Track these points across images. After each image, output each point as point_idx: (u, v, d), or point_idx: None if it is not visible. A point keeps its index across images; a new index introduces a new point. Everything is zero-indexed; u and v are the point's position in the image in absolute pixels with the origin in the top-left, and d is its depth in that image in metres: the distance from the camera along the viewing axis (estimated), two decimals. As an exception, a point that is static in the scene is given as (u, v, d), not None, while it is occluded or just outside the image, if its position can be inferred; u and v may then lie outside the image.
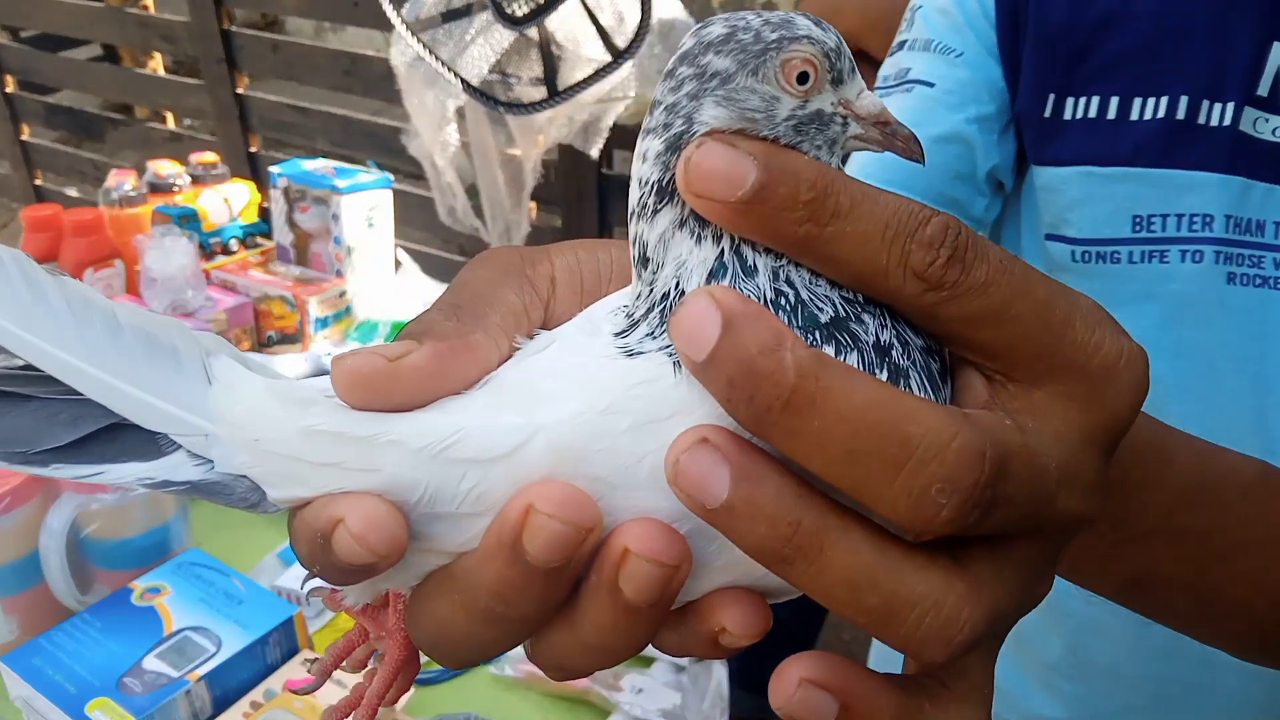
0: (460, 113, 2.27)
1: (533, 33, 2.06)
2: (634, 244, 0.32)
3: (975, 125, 0.78)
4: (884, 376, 0.30)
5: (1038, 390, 0.30)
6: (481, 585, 0.30)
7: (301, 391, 0.32)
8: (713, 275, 0.31)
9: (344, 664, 0.40)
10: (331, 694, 1.04)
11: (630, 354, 0.31)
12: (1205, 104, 0.70)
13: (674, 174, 0.31)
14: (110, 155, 3.88)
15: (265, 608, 1.10)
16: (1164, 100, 0.71)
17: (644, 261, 0.32)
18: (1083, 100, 0.74)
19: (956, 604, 0.28)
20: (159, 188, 2.01)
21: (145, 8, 3.65)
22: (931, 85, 0.79)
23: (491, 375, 0.32)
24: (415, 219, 2.67)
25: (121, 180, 1.96)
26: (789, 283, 0.30)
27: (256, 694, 1.05)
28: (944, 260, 0.29)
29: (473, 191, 2.49)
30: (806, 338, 0.30)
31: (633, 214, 0.32)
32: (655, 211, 0.31)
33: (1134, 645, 0.81)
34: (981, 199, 0.81)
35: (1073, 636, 0.84)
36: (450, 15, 2.09)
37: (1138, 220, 0.74)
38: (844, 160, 0.33)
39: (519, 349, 0.33)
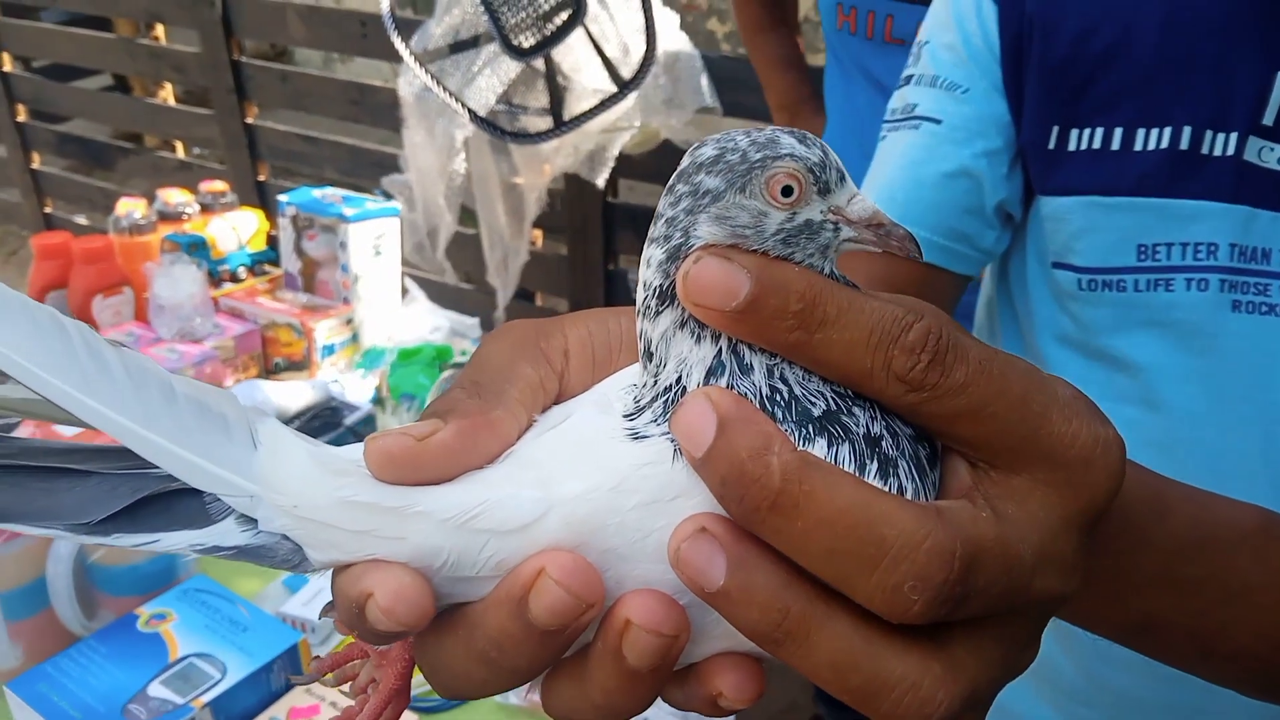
0: (466, 143, 2.30)
1: (539, 64, 2.08)
2: (640, 338, 0.35)
3: (983, 160, 0.79)
4: (874, 467, 0.32)
5: (1017, 477, 0.33)
6: (483, 631, 0.33)
7: (338, 463, 0.34)
8: (711, 373, 0.33)
9: (342, 685, 0.42)
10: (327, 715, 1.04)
11: (637, 437, 0.34)
12: (1209, 134, 0.71)
13: (674, 281, 0.33)
14: (120, 184, 3.92)
15: (270, 634, 1.10)
16: (1167, 131, 0.72)
17: (649, 355, 0.35)
18: (1086, 131, 0.75)
19: (933, 685, 0.30)
20: (168, 216, 2.03)
21: (156, 39, 3.70)
22: (939, 122, 0.80)
23: (512, 449, 0.35)
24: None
25: (131, 208, 1.98)
26: (783, 379, 0.33)
27: (261, 721, 1.05)
28: (925, 364, 0.31)
29: (471, 219, 2.50)
30: (799, 431, 0.32)
31: (639, 312, 0.35)
32: (658, 313, 0.34)
33: (1147, 670, 0.81)
34: (991, 232, 0.82)
35: (1087, 662, 0.84)
36: (457, 46, 2.12)
37: (1143, 249, 0.75)
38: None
39: (537, 420, 0.36)
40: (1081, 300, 0.78)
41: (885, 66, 1.54)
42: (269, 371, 1.88)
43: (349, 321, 1.94)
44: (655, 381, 0.34)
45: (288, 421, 1.55)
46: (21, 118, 3.93)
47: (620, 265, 2.77)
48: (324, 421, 1.59)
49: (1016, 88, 0.78)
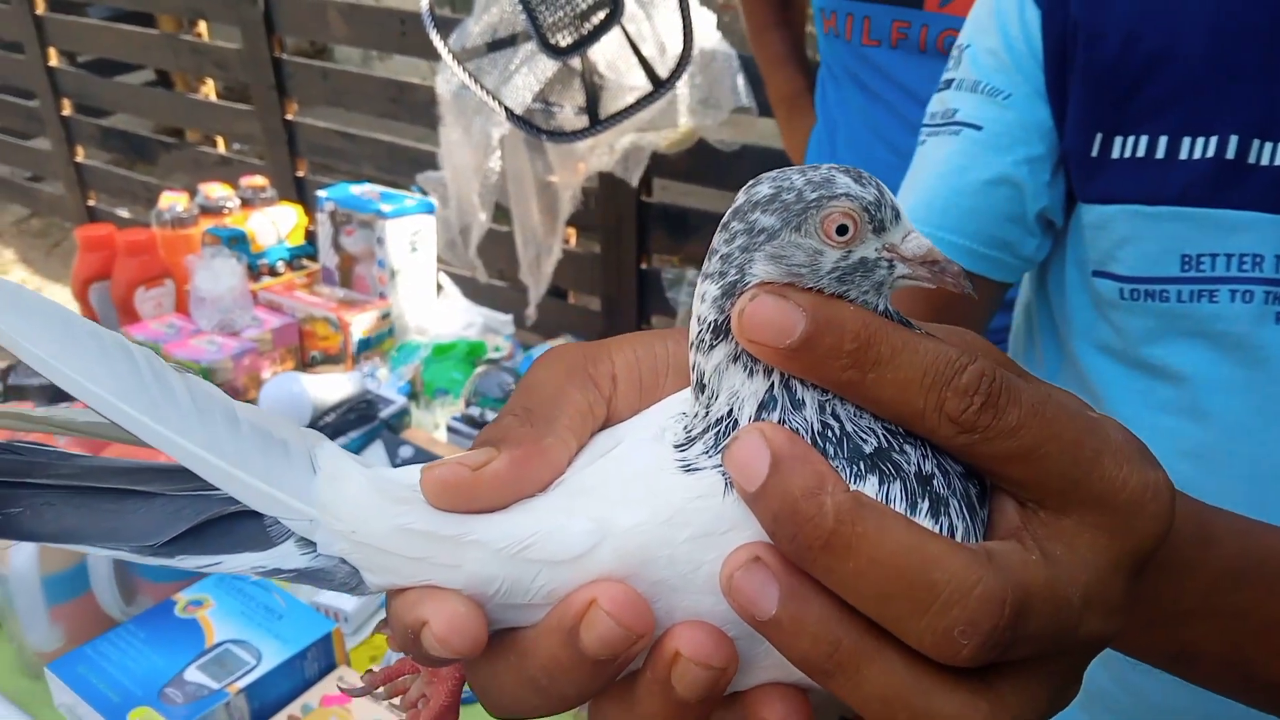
0: (502, 141, 2.31)
1: (575, 62, 2.09)
2: (693, 370, 0.35)
3: (1025, 167, 0.78)
4: (926, 505, 0.32)
5: (1067, 518, 0.33)
6: (534, 657, 0.33)
7: (395, 489, 0.35)
8: (763, 407, 0.33)
9: (393, 698, 0.43)
10: (364, 709, 1.05)
11: (689, 469, 0.34)
12: (1256, 143, 0.70)
13: (729, 316, 0.33)
14: (161, 178, 3.97)
15: (304, 623, 1.12)
16: (1213, 140, 0.71)
17: (701, 387, 0.35)
18: (1130, 139, 0.74)
19: None
20: (209, 210, 2.06)
21: (199, 35, 3.75)
22: (979, 128, 0.79)
23: (563, 477, 0.35)
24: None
25: (173, 202, 2.01)
26: (834, 416, 0.33)
27: (294, 708, 1.07)
28: (977, 407, 0.31)
29: (504, 217, 2.52)
30: (851, 468, 0.32)
31: (692, 345, 0.35)
32: (711, 346, 0.34)
33: (1182, 681, 0.80)
34: (1032, 239, 0.82)
35: (1122, 671, 0.84)
36: (495, 45, 2.13)
37: (1186, 259, 0.74)
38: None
39: (586, 445, 0.36)
40: (1123, 310, 0.78)
41: (865, 68, 1.55)
42: (305, 364, 1.90)
43: (385, 316, 1.96)
44: (707, 413, 0.35)
45: (324, 414, 1.57)
46: (66, 111, 4.00)
47: (653, 264, 2.77)
48: (359, 414, 1.60)
49: (1059, 93, 0.77)
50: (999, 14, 0.79)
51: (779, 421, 0.33)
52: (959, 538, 0.32)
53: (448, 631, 0.32)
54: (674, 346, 0.40)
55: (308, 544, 0.35)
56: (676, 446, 0.35)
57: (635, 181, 2.44)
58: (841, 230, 0.32)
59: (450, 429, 1.67)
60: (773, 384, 0.33)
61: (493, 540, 0.33)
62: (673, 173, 2.62)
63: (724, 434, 0.34)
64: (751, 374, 0.34)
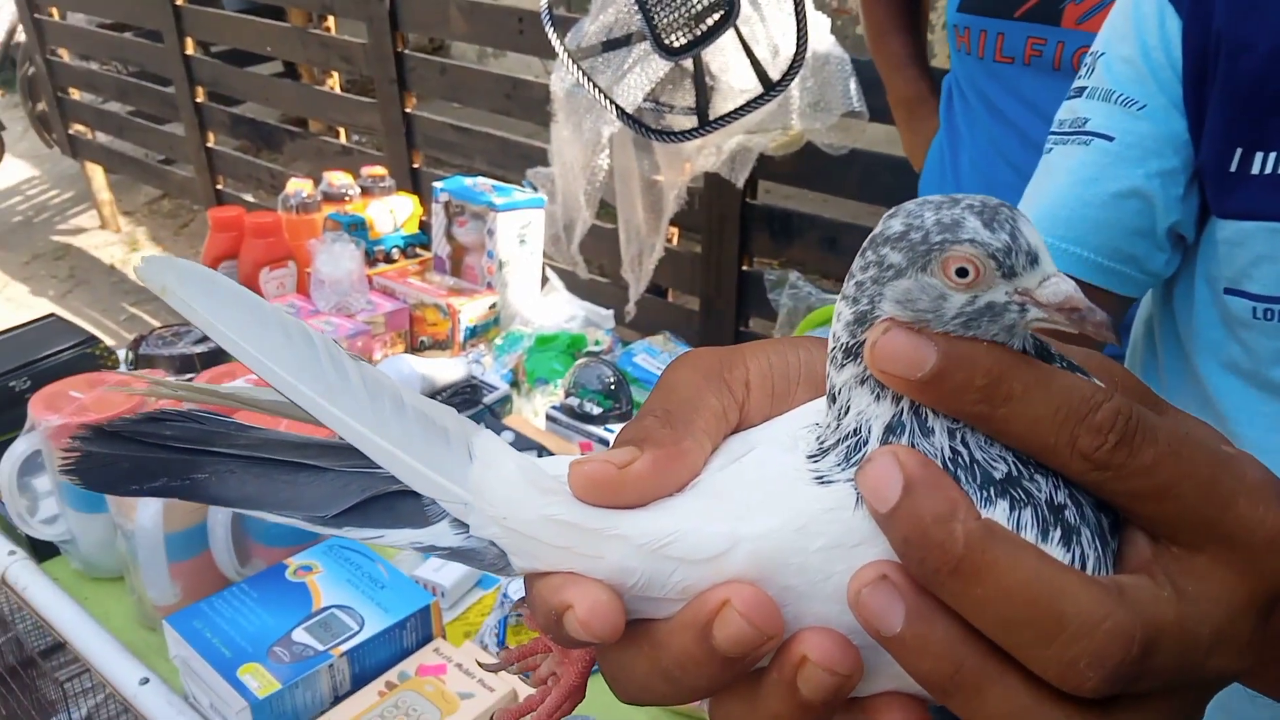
0: (611, 139, 2.34)
1: (688, 63, 2.11)
2: (827, 380, 0.36)
3: (1157, 180, 0.76)
4: (1058, 534, 0.32)
5: (1200, 555, 0.32)
6: (668, 650, 0.35)
7: (545, 480, 0.37)
8: (890, 430, 0.34)
9: (523, 671, 0.45)
10: (457, 679, 1.09)
11: (822, 480, 0.35)
12: None
13: (860, 341, 0.34)
14: (285, 165, 4.14)
15: (406, 594, 1.16)
16: None
17: (833, 399, 0.36)
18: (1273, 155, 0.71)
19: None
20: (332, 197, 2.14)
21: (327, 29, 3.89)
22: (1111, 139, 0.77)
23: (700, 479, 0.37)
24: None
25: (299, 188, 2.10)
26: (964, 443, 0.33)
27: (391, 675, 1.11)
28: (1111, 445, 0.31)
29: (613, 214, 2.55)
30: (982, 493, 0.33)
31: (828, 358, 0.36)
32: (842, 365, 0.35)
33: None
34: (1161, 254, 0.79)
35: (1226, 700, 0.82)
36: (610, 45, 2.16)
37: None
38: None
39: (720, 449, 0.38)
40: (1255, 329, 0.75)
41: (995, 86, 1.52)
42: (414, 349, 1.97)
43: (492, 306, 2.01)
44: (838, 425, 0.35)
45: (432, 396, 1.63)
46: (200, 99, 4.20)
47: (754, 266, 2.77)
48: (465, 399, 1.65)
49: (1197, 106, 0.74)
50: (1137, 23, 0.77)
51: (908, 446, 0.33)
52: (1089, 568, 0.32)
53: (590, 616, 0.34)
54: (807, 355, 0.40)
55: (461, 525, 0.38)
56: (809, 457, 0.36)
57: (741, 183, 2.44)
58: (961, 273, 0.32)
59: (549, 417, 1.71)
60: (901, 410, 0.34)
61: (635, 535, 0.35)
62: (779, 175, 2.62)
63: (855, 449, 0.34)
64: (879, 398, 0.34)
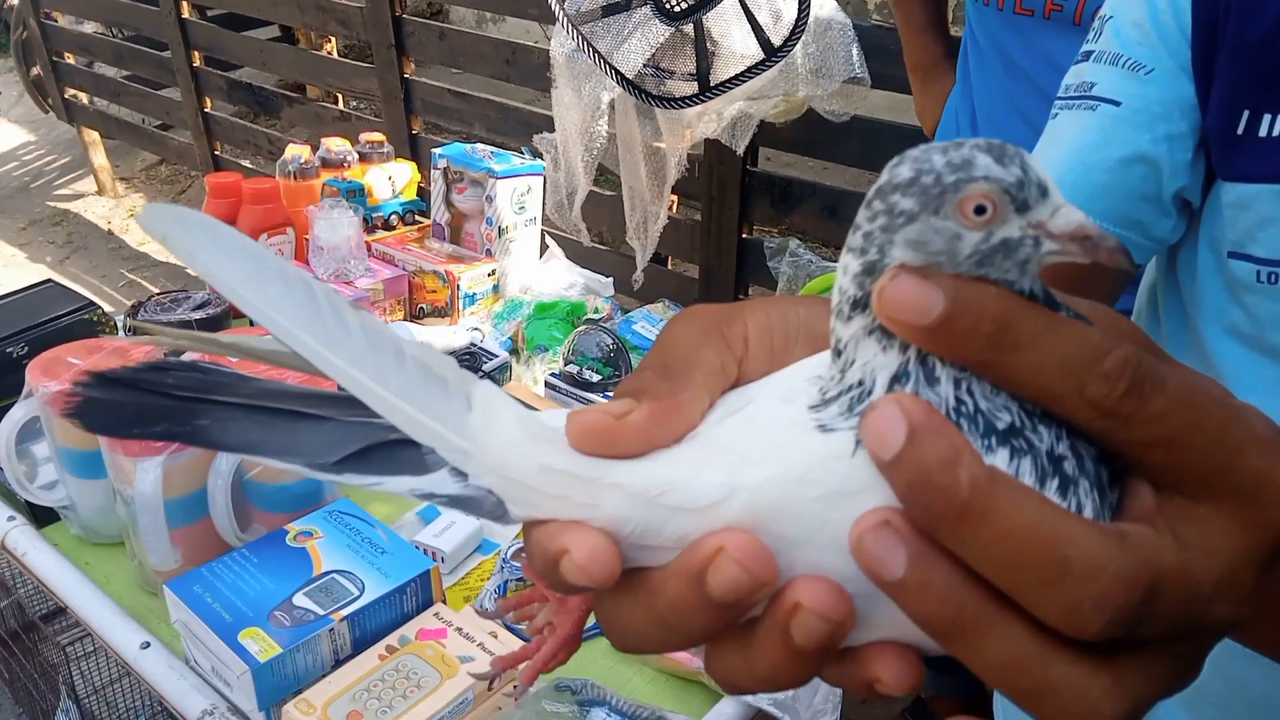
0: (611, 105, 2.32)
1: (688, 28, 2.09)
2: (832, 334, 0.36)
3: (1164, 145, 0.76)
4: (1055, 483, 0.32)
5: (1204, 505, 0.32)
6: (663, 596, 0.35)
7: (543, 431, 0.37)
8: (896, 379, 0.34)
9: (519, 620, 0.46)
10: (457, 643, 1.10)
11: (823, 429, 0.35)
12: None
13: (868, 293, 0.34)
14: (283, 131, 4.11)
15: (406, 559, 1.17)
16: None
17: (838, 353, 0.36)
18: None
19: (1100, 696, 0.31)
20: (330, 163, 2.13)
21: (324, -8, 3.85)
22: (1118, 104, 0.77)
23: (698, 431, 0.37)
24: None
25: (297, 153, 2.09)
26: (969, 392, 0.33)
27: (392, 639, 1.11)
28: (1120, 393, 0.31)
29: (614, 181, 2.53)
30: (983, 441, 0.33)
31: (833, 312, 0.36)
32: (849, 318, 0.35)
33: None
34: (1167, 220, 0.79)
35: (1223, 664, 0.82)
36: (610, 9, 2.14)
37: None
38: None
39: (718, 402, 0.38)
40: (1259, 293, 0.75)
41: (1014, 39, 1.51)
42: (413, 316, 1.96)
43: (491, 273, 2.00)
44: (842, 377, 0.35)
45: (429, 363, 1.63)
46: (196, 63, 4.17)
47: (754, 234, 2.76)
48: (464, 366, 1.65)
49: (1206, 70, 0.74)
50: None
51: (914, 394, 0.33)
52: (1087, 516, 0.32)
53: (587, 560, 0.34)
54: (806, 313, 0.40)
55: (460, 474, 0.38)
56: (811, 407, 0.36)
57: (741, 150, 2.43)
58: (979, 210, 0.32)
59: (548, 385, 1.71)
60: (908, 359, 0.34)
61: (630, 484, 0.35)
62: (779, 142, 2.60)
63: (858, 400, 0.34)
64: (886, 349, 0.34)
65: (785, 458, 0.34)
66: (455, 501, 0.38)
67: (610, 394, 1.65)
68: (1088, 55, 0.80)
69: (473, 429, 0.37)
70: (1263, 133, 0.72)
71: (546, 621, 0.45)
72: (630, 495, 0.35)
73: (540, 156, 2.31)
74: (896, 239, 0.33)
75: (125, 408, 0.38)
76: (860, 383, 0.35)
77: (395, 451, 0.38)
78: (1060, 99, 0.82)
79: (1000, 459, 0.32)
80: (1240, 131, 0.73)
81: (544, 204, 2.16)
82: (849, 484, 0.33)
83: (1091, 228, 0.33)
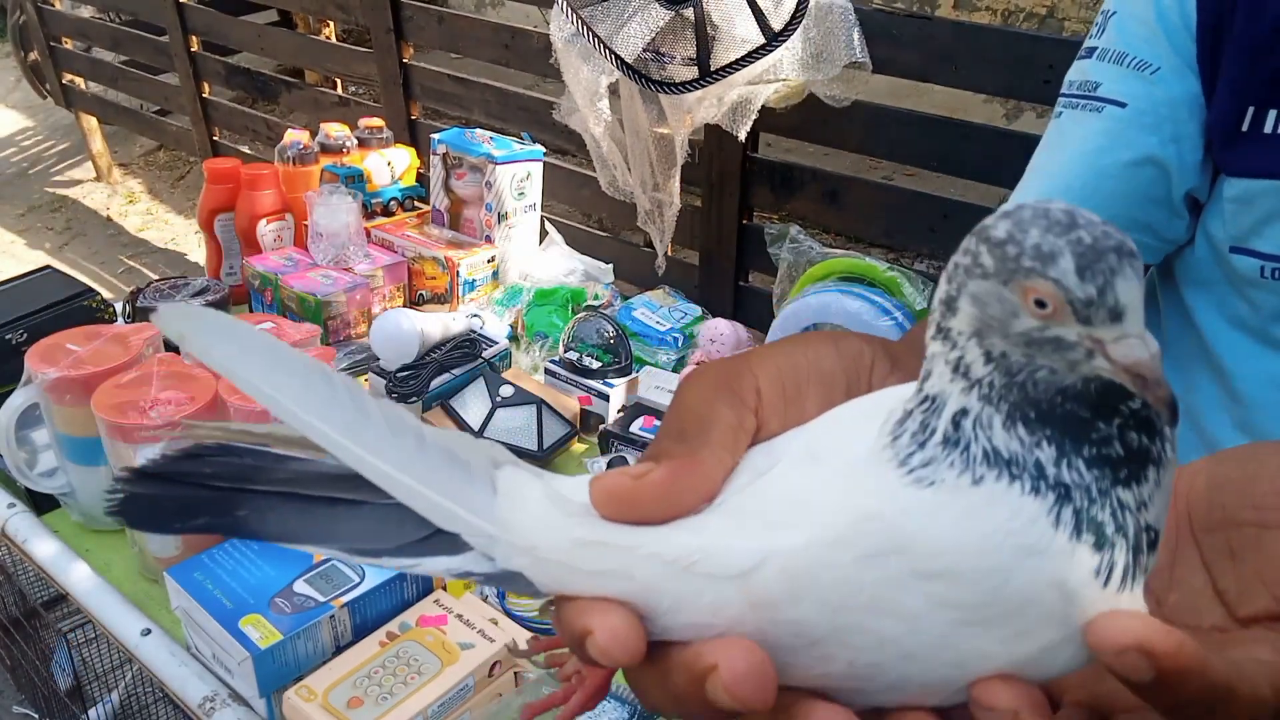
0: (613, 89, 2.31)
1: (688, 12, 2.08)
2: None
3: (1172, 147, 0.75)
4: (1090, 539, 0.32)
5: None
6: (673, 684, 0.35)
7: (569, 504, 0.37)
8: (964, 413, 0.34)
9: (550, 665, 0.46)
10: (457, 630, 1.10)
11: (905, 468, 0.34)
12: None
13: (948, 329, 0.35)
14: (282, 116, 4.10)
15: (405, 546, 1.17)
16: None
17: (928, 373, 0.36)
18: None
19: None
20: (329, 148, 2.12)
21: (322, -23, 3.82)
22: (1123, 105, 0.76)
23: (726, 496, 0.37)
24: (561, 192, 2.73)
25: (296, 139, 2.08)
26: (1020, 441, 0.33)
27: (393, 625, 1.12)
28: None
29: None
30: (1033, 487, 0.33)
31: (929, 324, 0.36)
32: (932, 337, 0.35)
33: None
34: (1179, 221, 0.78)
35: None
36: (609, -8, 2.13)
37: None
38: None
39: (743, 462, 0.38)
40: (1262, 288, 0.74)
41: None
42: (413, 302, 1.96)
43: (490, 259, 2.00)
44: (921, 387, 0.35)
45: (431, 350, 1.62)
46: (194, 48, 4.14)
47: (755, 220, 2.75)
48: (464, 353, 1.65)
49: (1211, 66, 0.73)
50: None
51: (972, 427, 0.33)
52: (1116, 576, 0.32)
53: (609, 643, 0.34)
54: (813, 353, 0.41)
55: (488, 556, 0.38)
56: (848, 462, 0.35)
57: (742, 135, 2.42)
58: (1040, 304, 0.32)
59: (548, 371, 1.70)
60: (973, 399, 0.34)
61: (664, 553, 0.35)
62: (780, 127, 2.59)
63: (919, 443, 0.34)
64: (953, 379, 0.34)
65: (816, 522, 0.34)
66: (491, 579, 0.38)
67: (611, 380, 1.65)
68: (1091, 51, 0.80)
69: (499, 513, 0.37)
70: (1268, 129, 0.71)
71: (576, 670, 0.45)
72: (665, 564, 0.35)
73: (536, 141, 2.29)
74: (969, 286, 0.33)
75: (166, 503, 0.38)
76: (931, 400, 0.34)
77: (431, 534, 0.38)
78: (1064, 95, 0.81)
79: (1043, 504, 0.32)
80: (1245, 128, 0.72)
81: (541, 190, 2.14)
82: (885, 545, 0.33)
83: (1149, 369, 0.31)
